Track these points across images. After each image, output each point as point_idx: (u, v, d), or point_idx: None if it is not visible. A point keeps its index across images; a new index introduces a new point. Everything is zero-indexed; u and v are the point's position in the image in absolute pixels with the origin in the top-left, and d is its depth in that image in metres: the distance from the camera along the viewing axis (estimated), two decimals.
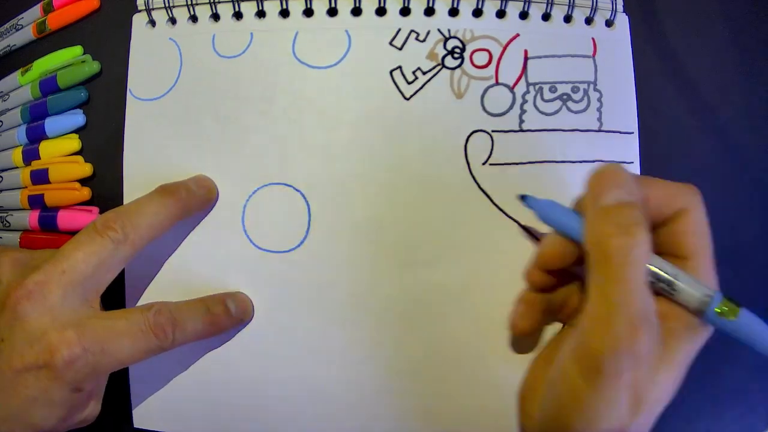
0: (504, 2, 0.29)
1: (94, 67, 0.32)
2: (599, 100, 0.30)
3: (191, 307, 0.27)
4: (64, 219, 0.32)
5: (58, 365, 0.23)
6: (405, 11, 0.30)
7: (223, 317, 0.28)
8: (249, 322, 0.30)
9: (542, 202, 0.24)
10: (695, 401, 0.32)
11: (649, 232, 0.21)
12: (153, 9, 0.31)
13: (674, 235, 0.23)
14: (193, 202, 0.28)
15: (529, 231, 0.29)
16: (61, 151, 0.32)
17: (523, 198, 0.25)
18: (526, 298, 0.26)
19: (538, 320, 0.26)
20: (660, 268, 0.22)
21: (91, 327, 0.24)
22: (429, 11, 0.30)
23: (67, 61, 0.32)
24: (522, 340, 0.29)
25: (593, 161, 0.30)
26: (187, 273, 0.31)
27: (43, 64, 0.33)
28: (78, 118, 0.32)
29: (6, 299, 0.24)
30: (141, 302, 0.31)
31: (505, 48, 0.30)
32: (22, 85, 0.33)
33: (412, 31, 0.30)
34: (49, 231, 0.32)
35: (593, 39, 0.30)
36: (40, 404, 0.23)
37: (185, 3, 0.30)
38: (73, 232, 0.31)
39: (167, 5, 0.30)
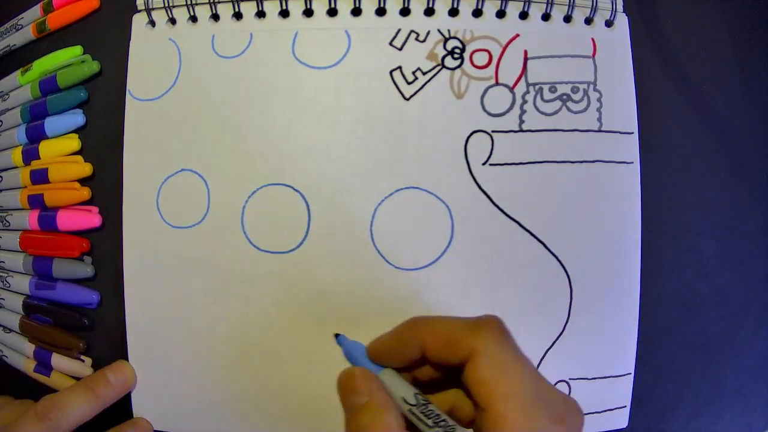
0: (504, 2, 0.29)
1: (93, 67, 0.32)
2: (599, 100, 0.30)
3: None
4: (64, 219, 0.31)
5: None
6: (405, 11, 0.30)
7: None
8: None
9: (348, 344, 0.25)
10: (695, 401, 0.32)
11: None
12: (153, 9, 0.31)
13: (467, 384, 0.22)
14: (111, 394, 0.31)
15: (530, 232, 0.29)
16: (61, 150, 0.32)
17: (336, 336, 0.26)
18: None
19: None
20: None
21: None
22: (429, 11, 0.30)
23: (67, 61, 0.32)
24: None
25: (593, 161, 0.30)
26: (187, 273, 0.31)
27: (43, 64, 0.33)
28: (78, 118, 0.32)
29: None
30: (141, 301, 0.31)
31: (504, 48, 0.30)
32: (22, 84, 0.33)
33: (412, 31, 0.30)
34: (48, 231, 0.32)
35: (593, 39, 0.30)
36: None
37: (185, 3, 0.30)
38: (73, 232, 0.32)
39: (167, 5, 0.30)
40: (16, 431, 0.29)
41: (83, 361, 0.32)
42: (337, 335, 0.26)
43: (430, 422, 0.21)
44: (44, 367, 0.33)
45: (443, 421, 0.21)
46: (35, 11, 0.34)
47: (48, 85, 0.32)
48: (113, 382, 0.31)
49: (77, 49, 0.32)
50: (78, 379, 0.32)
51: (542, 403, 0.21)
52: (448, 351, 0.22)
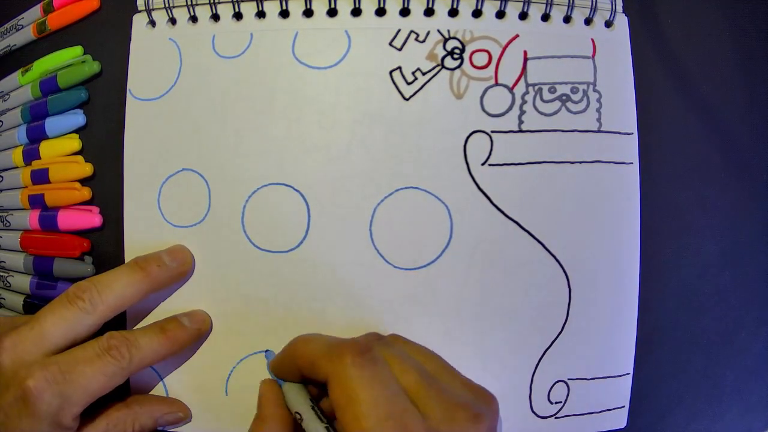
0: (503, 3, 0.29)
1: (94, 66, 0.32)
2: (599, 100, 0.30)
3: (145, 328, 0.29)
4: (65, 218, 0.32)
5: (29, 397, 0.25)
6: (405, 12, 0.30)
7: (178, 331, 0.29)
8: (209, 334, 0.30)
9: (269, 358, 0.28)
10: (695, 401, 0.32)
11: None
12: (153, 9, 0.31)
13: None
14: (164, 276, 0.29)
15: (529, 233, 0.30)
16: (62, 150, 0.32)
17: (266, 351, 0.29)
18: None
19: None
20: None
21: (52, 361, 0.26)
22: (429, 12, 0.30)
23: (68, 61, 0.32)
24: None
25: (592, 162, 0.30)
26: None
27: (44, 64, 0.33)
28: (78, 118, 0.32)
29: None
30: (141, 301, 0.31)
31: (504, 49, 0.30)
32: (23, 85, 0.34)
33: (411, 31, 0.30)
34: (49, 231, 0.32)
35: (593, 40, 0.30)
36: None
37: (185, 3, 0.30)
38: (73, 232, 0.32)
39: (167, 6, 0.31)
40: (41, 317, 0.26)
41: None
42: (267, 351, 0.29)
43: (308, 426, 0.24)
44: None
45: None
46: (35, 11, 0.34)
47: (48, 86, 0.32)
48: (169, 264, 0.29)
49: (77, 50, 0.32)
50: None
51: (393, 423, 0.22)
52: (312, 373, 0.24)
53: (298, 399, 0.25)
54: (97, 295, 0.27)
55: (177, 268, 0.29)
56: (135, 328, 0.31)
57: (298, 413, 0.25)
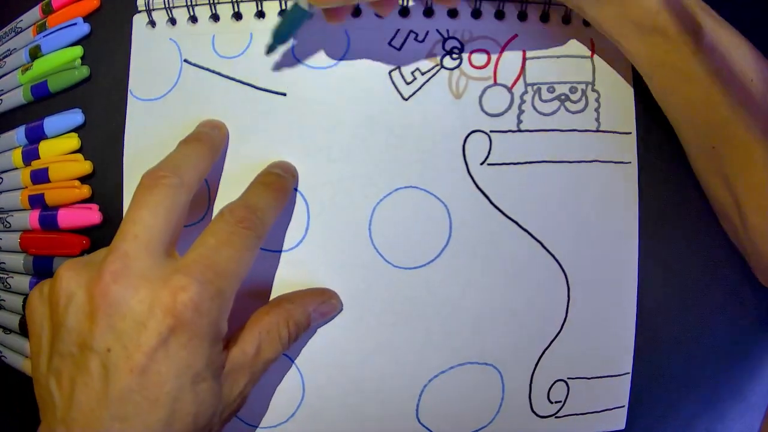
0: (502, 3, 0.30)
1: (84, 71, 0.32)
2: (597, 100, 0.30)
3: (252, 190, 0.27)
4: (65, 217, 0.32)
5: (186, 316, 0.21)
6: (404, 12, 0.30)
7: (279, 181, 0.28)
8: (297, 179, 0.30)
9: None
10: (695, 401, 0.32)
11: None
12: (153, 10, 0.31)
13: None
14: (217, 142, 0.28)
15: (528, 232, 0.30)
16: (61, 149, 0.32)
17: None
18: None
19: None
20: None
21: (190, 262, 0.23)
22: (428, 12, 0.30)
23: (67, 63, 0.32)
24: None
25: (591, 161, 0.30)
26: None
27: (44, 64, 0.33)
28: (77, 117, 0.32)
29: (90, 302, 0.22)
30: None
31: (503, 48, 0.30)
32: (23, 83, 0.34)
33: (410, 31, 0.30)
34: (49, 230, 0.32)
35: (591, 40, 0.30)
36: (187, 391, 0.22)
37: (185, 4, 0.30)
38: (74, 231, 0.32)
39: (167, 6, 0.31)
40: (131, 219, 0.23)
41: None
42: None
43: None
44: None
45: None
46: (35, 13, 0.34)
47: (40, 90, 0.33)
48: (209, 131, 0.28)
49: (78, 50, 0.32)
50: None
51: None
52: None
53: None
54: (177, 170, 0.24)
55: (219, 135, 0.29)
56: None
57: None
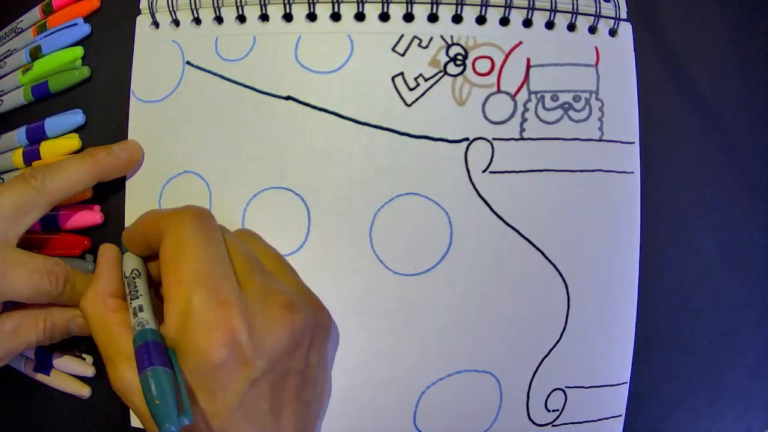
0: (507, 10, 0.29)
1: (84, 72, 0.32)
2: (601, 109, 0.30)
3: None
4: (66, 218, 0.32)
5: None
6: (408, 17, 0.30)
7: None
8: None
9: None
10: (695, 401, 0.32)
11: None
12: (156, 11, 0.31)
13: None
14: (111, 163, 0.30)
15: (529, 241, 0.30)
16: (62, 150, 0.32)
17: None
18: None
19: None
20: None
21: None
22: (432, 17, 0.30)
23: (68, 63, 0.32)
24: None
25: (593, 170, 0.30)
26: None
27: (45, 64, 0.33)
28: (77, 118, 0.32)
29: None
30: None
31: (507, 56, 0.29)
32: (23, 84, 0.34)
33: (414, 37, 0.30)
34: (50, 230, 0.32)
35: (596, 48, 0.30)
36: None
37: (189, 6, 0.30)
38: (75, 231, 0.32)
39: (170, 7, 0.30)
40: (1, 192, 0.28)
41: (84, 359, 0.33)
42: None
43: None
44: (44, 366, 0.33)
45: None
46: (35, 13, 0.34)
47: (41, 90, 0.33)
48: (118, 153, 0.30)
49: (78, 50, 0.32)
50: (79, 378, 0.32)
51: (208, 281, 0.23)
52: (154, 231, 0.25)
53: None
54: (48, 176, 0.28)
55: (125, 158, 0.30)
56: None
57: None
